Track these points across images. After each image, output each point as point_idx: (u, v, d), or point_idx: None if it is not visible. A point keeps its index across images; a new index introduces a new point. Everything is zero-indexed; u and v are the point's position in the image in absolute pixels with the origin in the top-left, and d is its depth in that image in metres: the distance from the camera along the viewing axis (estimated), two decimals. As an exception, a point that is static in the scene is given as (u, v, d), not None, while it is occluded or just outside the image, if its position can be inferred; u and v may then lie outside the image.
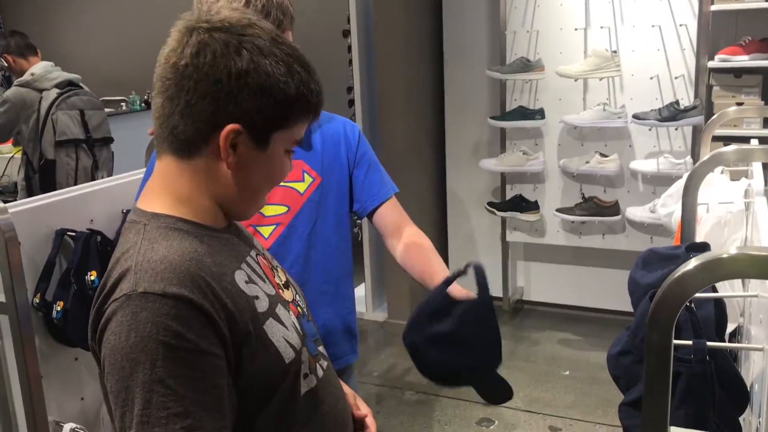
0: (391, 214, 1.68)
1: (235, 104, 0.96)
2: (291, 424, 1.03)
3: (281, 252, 1.54)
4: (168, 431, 0.86)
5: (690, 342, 1.10)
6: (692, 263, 0.83)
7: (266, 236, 1.54)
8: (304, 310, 1.16)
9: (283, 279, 1.15)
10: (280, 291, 1.10)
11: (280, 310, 1.04)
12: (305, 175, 1.59)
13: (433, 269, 1.61)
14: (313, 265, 1.60)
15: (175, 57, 0.97)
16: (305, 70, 1.01)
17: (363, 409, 1.28)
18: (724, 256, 0.81)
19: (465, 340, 1.39)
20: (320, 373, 1.10)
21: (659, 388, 0.87)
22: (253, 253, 1.10)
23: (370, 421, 1.27)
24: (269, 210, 1.54)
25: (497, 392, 1.45)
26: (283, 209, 1.55)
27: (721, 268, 0.82)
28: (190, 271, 0.92)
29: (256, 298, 1.01)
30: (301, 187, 1.58)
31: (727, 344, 1.19)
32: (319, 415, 1.08)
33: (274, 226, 1.55)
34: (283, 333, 1.01)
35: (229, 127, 0.96)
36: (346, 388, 1.27)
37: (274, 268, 1.15)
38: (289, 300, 1.11)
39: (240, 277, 1.00)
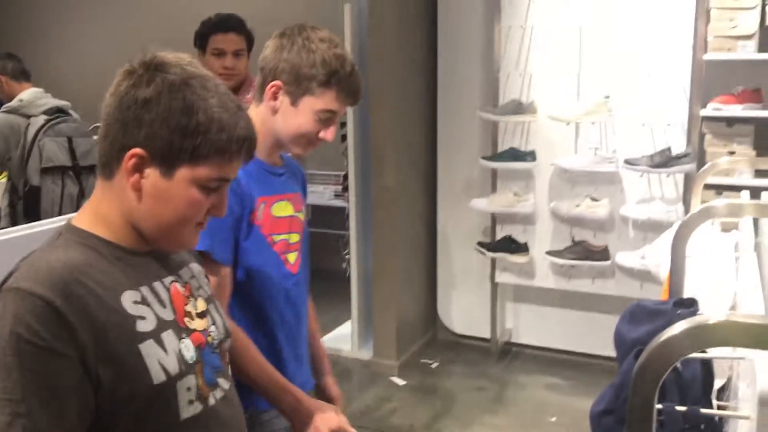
0: None
1: (139, 131, 1.05)
2: None
3: (302, 276, 1.68)
4: (1, 413, 0.96)
5: (683, 408, 1.06)
6: (677, 328, 0.80)
7: (292, 262, 1.65)
8: (215, 341, 1.20)
9: (201, 309, 1.20)
10: (186, 319, 1.15)
11: (166, 335, 1.09)
12: (302, 205, 1.72)
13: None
14: (305, 283, 1.74)
15: (108, 92, 1.10)
16: (227, 115, 1.08)
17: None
18: (711, 322, 0.78)
19: None
20: (211, 401, 1.14)
21: (642, 457, 0.83)
22: (168, 279, 1.16)
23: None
24: (293, 237, 1.65)
25: None
26: (297, 237, 1.66)
27: (708, 335, 0.78)
28: (64, 278, 1.01)
29: (141, 318, 1.07)
30: (302, 216, 1.70)
31: (716, 411, 1.14)
32: None
33: (296, 252, 1.66)
34: (159, 356, 1.07)
35: (133, 150, 1.06)
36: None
37: (193, 296, 1.19)
38: (197, 329, 1.16)
39: (128, 297, 1.07)
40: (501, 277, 4.07)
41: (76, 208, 3.31)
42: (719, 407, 1.24)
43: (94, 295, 1.02)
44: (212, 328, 1.20)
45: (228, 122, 1.07)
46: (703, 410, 1.05)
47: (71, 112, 3.54)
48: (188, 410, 1.10)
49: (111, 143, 1.08)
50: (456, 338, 4.33)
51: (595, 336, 3.85)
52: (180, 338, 1.11)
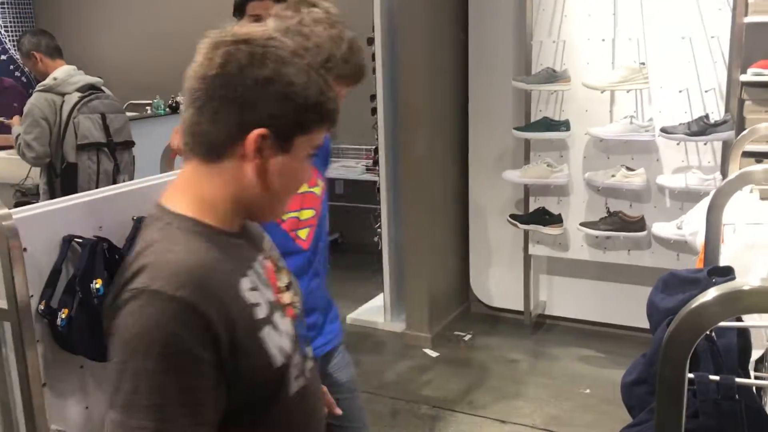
0: None
1: (260, 110, 1.03)
2: (279, 421, 1.11)
3: (315, 250, 1.71)
4: (145, 418, 0.95)
5: (715, 377, 1.03)
6: (710, 294, 0.77)
7: (304, 238, 1.68)
8: (299, 310, 1.23)
9: (286, 281, 1.21)
10: (280, 295, 1.16)
11: (276, 316, 1.11)
12: (317, 179, 1.71)
13: None
14: (321, 254, 1.78)
15: (203, 69, 1.05)
16: (323, 80, 1.09)
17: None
18: (745, 288, 0.75)
19: None
20: (308, 373, 1.18)
21: (671, 426, 0.81)
22: (260, 257, 1.16)
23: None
24: (304, 214, 1.66)
25: None
26: (311, 212, 1.68)
27: (742, 302, 0.76)
28: (201, 278, 0.99)
29: (257, 305, 1.07)
30: (317, 190, 1.71)
31: (753, 381, 1.11)
32: (305, 411, 1.17)
33: (308, 228, 1.68)
34: (276, 340, 1.08)
35: (257, 131, 1.03)
36: None
37: (279, 270, 1.20)
38: (287, 302, 1.18)
39: (245, 285, 1.07)
40: (534, 250, 4.03)
41: (113, 183, 3.36)
42: (757, 378, 1.21)
43: (223, 291, 1.02)
44: (296, 298, 1.22)
45: (328, 90, 1.09)
46: (739, 380, 1.02)
47: (104, 88, 3.57)
48: (295, 385, 1.12)
49: (224, 126, 1.04)
50: (489, 311, 4.32)
51: (630, 308, 3.80)
52: (283, 316, 1.13)
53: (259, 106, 1.03)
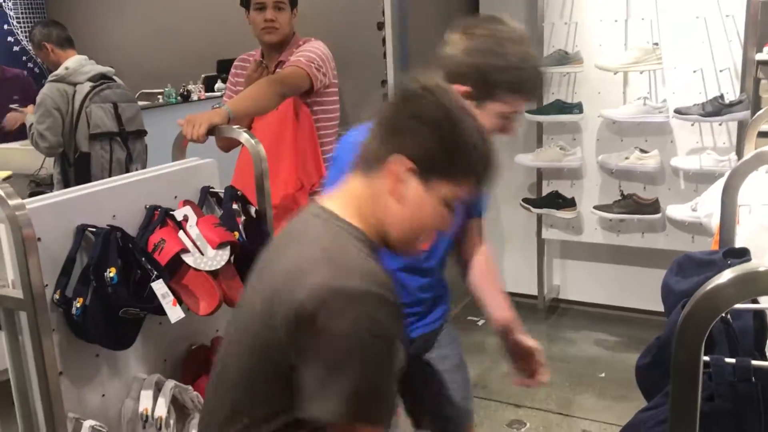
0: None
1: (414, 142, 1.15)
2: None
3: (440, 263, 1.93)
4: (371, 409, 1.06)
5: (731, 359, 1.02)
6: (726, 275, 0.77)
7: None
8: None
9: None
10: None
11: None
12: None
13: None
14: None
15: (392, 107, 1.22)
16: (487, 146, 1.19)
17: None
18: (761, 269, 0.75)
19: None
20: None
21: (687, 409, 0.81)
22: None
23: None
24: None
25: None
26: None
27: (758, 283, 0.75)
28: (386, 279, 1.11)
29: None
30: None
31: (768, 361, 1.10)
32: None
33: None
34: None
35: (398, 158, 1.15)
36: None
37: None
38: None
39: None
40: (548, 234, 4.01)
41: (126, 172, 3.37)
42: (773, 360, 1.20)
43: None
44: None
45: (487, 153, 1.19)
46: (755, 362, 1.01)
47: (115, 78, 3.58)
48: None
49: (384, 146, 1.17)
50: (503, 295, 4.30)
51: (645, 291, 3.78)
52: None
53: (412, 138, 1.15)
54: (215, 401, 1.27)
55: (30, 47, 5.15)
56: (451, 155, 1.15)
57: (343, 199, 1.21)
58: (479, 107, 1.53)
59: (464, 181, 1.18)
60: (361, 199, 1.19)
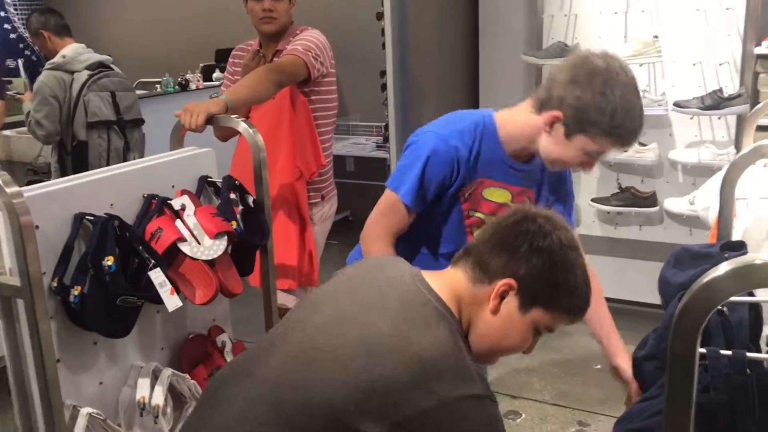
0: None
1: (525, 268, 1.20)
2: None
3: None
4: None
5: (727, 351, 1.03)
6: (723, 268, 0.77)
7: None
8: None
9: None
10: None
11: None
12: (529, 201, 1.82)
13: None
14: None
15: (512, 218, 1.27)
16: (588, 289, 1.25)
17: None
18: (758, 262, 0.75)
19: None
20: None
21: (682, 401, 0.81)
22: None
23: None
24: (489, 219, 1.72)
25: None
26: None
27: (754, 276, 0.75)
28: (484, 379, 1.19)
29: None
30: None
31: (765, 355, 1.11)
32: None
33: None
34: None
35: (508, 280, 1.21)
36: None
37: None
38: None
39: None
40: (545, 225, 4.01)
41: (123, 161, 3.37)
42: (768, 353, 1.20)
43: None
44: None
45: (587, 294, 1.25)
46: (750, 354, 1.02)
47: (113, 66, 3.56)
48: None
49: (492, 255, 1.23)
50: (500, 287, 4.31)
51: (641, 284, 3.78)
52: None
53: (524, 264, 1.20)
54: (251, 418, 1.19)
55: (27, 35, 5.13)
56: (555, 291, 1.21)
57: (447, 289, 1.24)
58: (568, 136, 1.54)
59: (560, 315, 1.24)
60: (463, 297, 1.24)
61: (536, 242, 1.21)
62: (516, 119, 1.68)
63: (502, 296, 1.22)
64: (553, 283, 1.21)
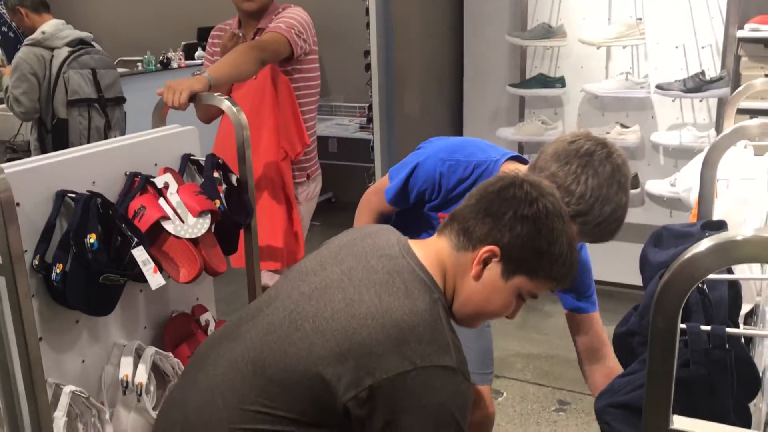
0: None
1: (509, 236, 1.21)
2: None
3: None
4: None
5: (707, 327, 1.04)
6: (704, 244, 0.78)
7: None
8: None
9: None
10: None
11: None
12: None
13: None
14: None
15: (497, 184, 1.27)
16: (574, 257, 1.25)
17: None
18: (739, 238, 0.76)
19: None
20: None
21: (663, 375, 0.83)
22: None
23: None
24: None
25: None
26: None
27: (735, 251, 0.76)
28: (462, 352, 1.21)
29: None
30: None
31: (744, 331, 1.13)
32: None
33: None
34: None
35: (491, 247, 1.21)
36: None
37: None
38: None
39: None
40: (528, 207, 4.03)
41: (104, 139, 3.33)
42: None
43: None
44: None
45: (572, 262, 1.25)
46: (729, 329, 1.04)
47: (94, 43, 3.51)
48: None
49: (479, 229, 1.23)
50: (482, 268, 4.33)
51: (623, 265, 3.81)
52: None
53: (508, 231, 1.20)
54: (239, 381, 1.23)
55: (3, 11, 5.05)
56: (539, 259, 1.21)
57: (432, 258, 1.25)
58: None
59: (543, 281, 1.24)
60: (447, 264, 1.25)
61: (521, 210, 1.21)
62: None
63: (485, 262, 1.22)
64: (536, 252, 1.21)
